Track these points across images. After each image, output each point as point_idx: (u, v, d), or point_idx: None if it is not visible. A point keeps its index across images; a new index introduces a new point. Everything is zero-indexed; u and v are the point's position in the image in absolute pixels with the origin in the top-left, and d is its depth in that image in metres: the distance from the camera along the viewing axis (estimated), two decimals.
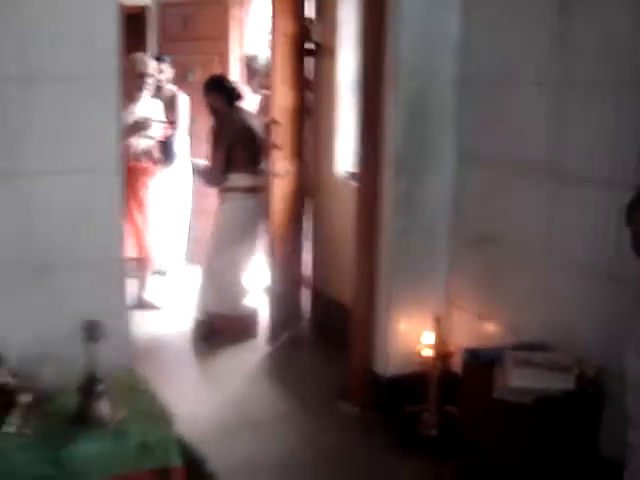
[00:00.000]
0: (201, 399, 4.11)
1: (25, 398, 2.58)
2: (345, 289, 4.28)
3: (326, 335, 4.94)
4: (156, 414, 2.64)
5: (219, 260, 4.95)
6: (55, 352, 2.62)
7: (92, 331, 2.51)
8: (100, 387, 2.52)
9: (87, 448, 2.46)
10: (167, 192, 5.74)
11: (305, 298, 5.24)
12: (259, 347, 4.89)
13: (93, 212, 2.81)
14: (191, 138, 6.03)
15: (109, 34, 2.75)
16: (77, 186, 2.79)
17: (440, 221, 3.83)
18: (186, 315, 5.23)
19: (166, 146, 5.57)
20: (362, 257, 3.92)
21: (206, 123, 5.24)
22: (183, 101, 5.99)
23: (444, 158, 3.79)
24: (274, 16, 4.72)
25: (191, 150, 6.00)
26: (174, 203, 5.89)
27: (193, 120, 6.01)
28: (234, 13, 6.35)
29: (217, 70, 5.99)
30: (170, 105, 5.86)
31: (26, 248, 2.75)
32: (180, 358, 4.78)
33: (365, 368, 3.93)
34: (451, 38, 3.67)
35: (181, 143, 5.89)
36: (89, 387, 2.53)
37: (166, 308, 5.52)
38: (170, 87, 6.05)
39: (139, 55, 5.63)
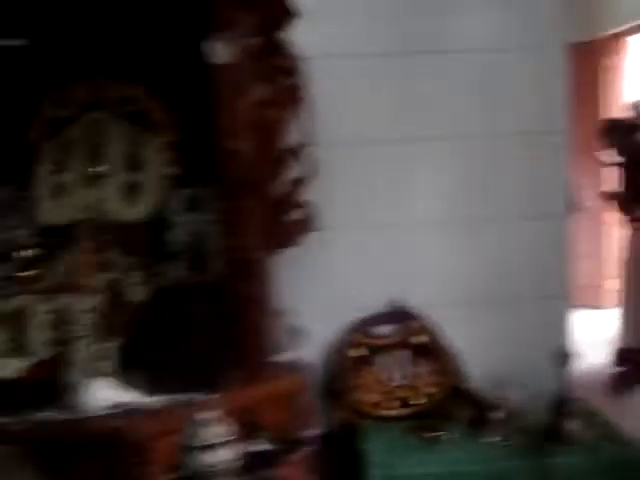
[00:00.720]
0: None
1: (498, 414, 2.95)
2: None
3: None
4: (617, 437, 2.89)
5: None
6: (520, 374, 2.96)
7: (563, 357, 2.84)
8: (571, 407, 2.83)
9: (564, 461, 2.75)
10: None
11: None
12: None
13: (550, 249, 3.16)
14: None
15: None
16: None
17: None
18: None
19: None
20: None
21: None
22: None
23: None
24: None
25: None
26: None
27: None
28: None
29: None
30: None
31: (497, 281, 3.15)
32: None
33: None
34: None
35: None
36: (560, 407, 2.84)
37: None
38: None
39: None
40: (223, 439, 1.61)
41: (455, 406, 3.08)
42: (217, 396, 2.15)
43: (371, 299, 3.14)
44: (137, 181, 2.73)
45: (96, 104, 2.77)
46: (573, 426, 2.89)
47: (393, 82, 3.13)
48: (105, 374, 2.24)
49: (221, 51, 2.13)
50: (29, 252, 2.65)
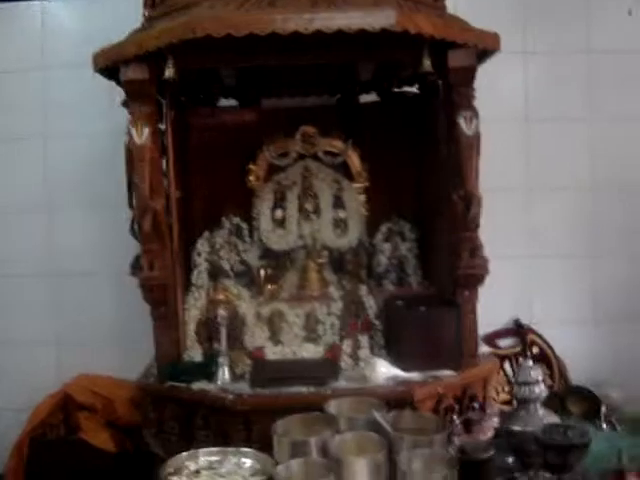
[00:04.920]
0: None
1: (604, 408, 3.75)
2: None
3: None
4: None
5: None
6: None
7: None
8: None
9: None
10: None
11: None
12: None
13: None
14: None
15: None
16: None
17: None
18: None
19: None
20: None
21: None
22: None
23: None
24: None
25: None
26: None
27: None
28: None
29: None
30: None
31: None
32: None
33: None
34: None
35: None
36: None
37: None
38: None
39: None
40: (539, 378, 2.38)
41: (570, 403, 3.85)
42: (454, 373, 2.91)
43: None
44: (342, 217, 3.46)
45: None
46: None
47: None
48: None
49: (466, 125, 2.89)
50: (267, 271, 3.34)
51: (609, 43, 3.96)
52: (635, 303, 4.03)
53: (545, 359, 3.92)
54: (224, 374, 2.86)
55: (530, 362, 2.41)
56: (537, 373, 2.37)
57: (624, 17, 3.92)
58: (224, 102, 3.72)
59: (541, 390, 2.36)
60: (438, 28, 2.62)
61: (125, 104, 2.91)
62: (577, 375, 3.91)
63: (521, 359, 3.86)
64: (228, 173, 3.41)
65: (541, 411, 2.34)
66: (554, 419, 2.35)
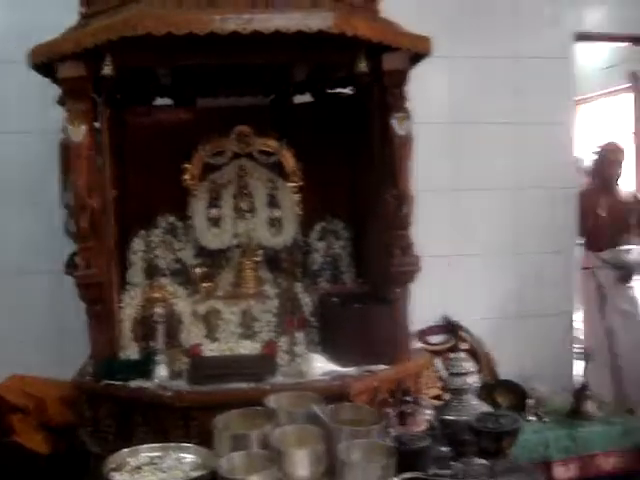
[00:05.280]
0: None
1: (530, 401, 3.90)
2: None
3: None
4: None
5: None
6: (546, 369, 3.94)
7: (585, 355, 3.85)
8: (587, 391, 3.82)
9: (585, 429, 3.74)
10: None
11: None
12: None
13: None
14: None
15: None
16: None
17: None
18: None
19: None
20: None
21: None
22: None
23: None
24: None
25: None
26: None
27: None
28: None
29: None
30: None
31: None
32: None
33: None
34: None
35: None
36: (580, 392, 3.83)
37: None
38: None
39: None
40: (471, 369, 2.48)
41: (499, 396, 3.98)
42: (388, 368, 2.99)
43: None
44: (277, 216, 3.50)
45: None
46: (590, 405, 3.88)
47: None
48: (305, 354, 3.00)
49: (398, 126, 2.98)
50: (203, 269, 3.37)
51: (534, 50, 4.11)
52: (558, 298, 4.19)
53: (474, 354, 4.03)
54: (161, 372, 2.87)
55: (462, 354, 2.51)
56: (469, 365, 2.47)
57: (548, 24, 4.08)
58: (160, 101, 3.71)
59: (473, 380, 2.45)
60: (375, 31, 2.69)
61: (61, 101, 2.89)
62: (505, 369, 4.03)
63: (452, 353, 3.97)
64: (164, 172, 3.42)
65: (474, 401, 2.43)
66: (487, 408, 2.44)
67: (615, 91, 7.40)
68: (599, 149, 5.30)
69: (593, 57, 7.78)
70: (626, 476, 3.82)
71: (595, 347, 4.88)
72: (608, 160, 5.01)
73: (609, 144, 5.40)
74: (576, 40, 4.35)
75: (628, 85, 6.98)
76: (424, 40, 2.89)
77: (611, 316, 4.90)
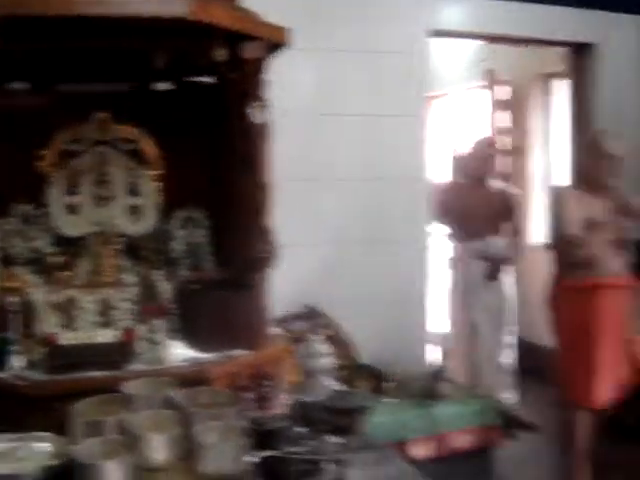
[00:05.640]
0: None
1: (388, 384, 4.07)
2: None
3: None
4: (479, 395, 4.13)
5: None
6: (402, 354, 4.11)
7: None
8: (443, 374, 4.02)
9: (441, 410, 3.93)
10: None
11: None
12: None
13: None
14: None
15: None
16: None
17: None
18: None
19: None
20: None
21: None
22: None
23: None
24: None
25: None
26: None
27: None
28: None
29: None
30: None
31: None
32: None
33: None
34: None
35: None
36: (436, 375, 4.03)
37: None
38: None
39: None
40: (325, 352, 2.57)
41: (358, 380, 4.12)
42: (248, 353, 3.05)
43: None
44: (137, 204, 3.49)
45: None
46: (445, 387, 4.07)
47: None
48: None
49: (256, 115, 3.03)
50: (60, 258, 3.32)
51: (390, 44, 4.25)
52: (412, 286, 4.36)
53: (333, 339, 4.14)
54: (17, 362, 2.81)
55: (316, 337, 2.59)
56: (324, 347, 2.55)
57: (404, 20, 4.23)
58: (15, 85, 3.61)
59: (329, 362, 2.54)
60: (233, 20, 2.73)
61: None
62: (364, 354, 4.16)
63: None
64: (19, 158, 3.33)
65: (328, 382, 2.51)
66: (341, 388, 2.53)
67: (474, 87, 7.71)
68: (472, 143, 5.55)
69: (456, 53, 8.12)
70: (479, 452, 4.03)
71: (456, 337, 5.13)
72: (480, 153, 5.20)
73: (482, 138, 5.67)
74: (431, 36, 4.51)
75: (485, 83, 7.30)
76: (282, 30, 2.95)
77: (475, 309, 5.12)
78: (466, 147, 5.79)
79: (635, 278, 4.05)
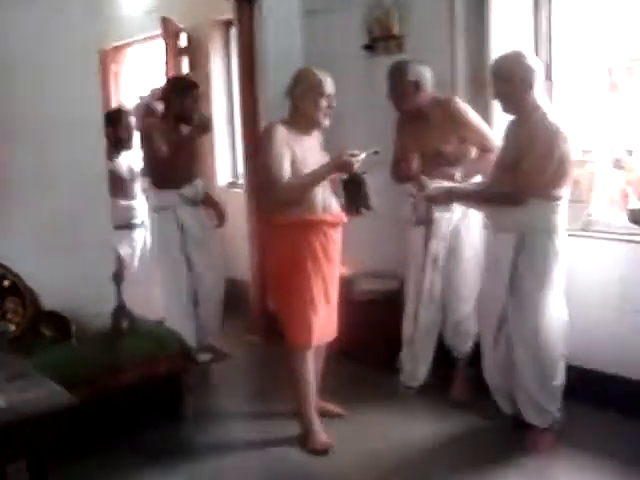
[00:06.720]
0: None
1: (74, 327, 4.24)
2: None
3: None
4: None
5: None
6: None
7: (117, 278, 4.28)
8: (125, 311, 4.28)
9: (126, 344, 4.19)
10: None
11: None
12: None
13: None
14: None
15: None
16: None
17: None
18: None
19: None
20: None
21: None
22: None
23: None
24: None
25: None
26: None
27: None
28: None
29: None
30: None
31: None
32: None
33: None
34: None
35: None
36: (117, 312, 4.27)
37: None
38: None
39: None
40: None
41: (44, 327, 4.23)
42: None
43: None
44: None
45: None
46: (126, 323, 4.32)
47: None
48: None
49: None
50: None
51: None
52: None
53: (15, 291, 4.19)
54: None
55: None
56: None
57: None
58: None
59: None
60: None
61: None
62: (49, 301, 4.25)
63: None
64: None
65: None
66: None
67: (153, 37, 7.81)
68: (165, 84, 5.64)
69: (132, 3, 8.15)
70: (169, 378, 4.30)
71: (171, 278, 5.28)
72: (175, 95, 5.21)
73: (177, 78, 6.05)
74: None
75: (161, 32, 7.42)
76: None
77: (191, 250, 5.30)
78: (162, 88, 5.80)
79: (345, 215, 4.10)
